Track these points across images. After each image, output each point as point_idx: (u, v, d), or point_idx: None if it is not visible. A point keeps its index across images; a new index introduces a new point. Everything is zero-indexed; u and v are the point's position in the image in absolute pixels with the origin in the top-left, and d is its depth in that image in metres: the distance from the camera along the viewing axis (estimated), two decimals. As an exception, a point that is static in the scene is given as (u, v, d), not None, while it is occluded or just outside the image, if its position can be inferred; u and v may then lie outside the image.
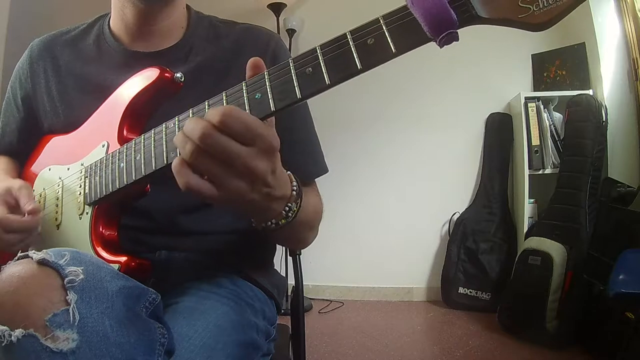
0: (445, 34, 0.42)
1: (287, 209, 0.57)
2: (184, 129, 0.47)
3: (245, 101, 0.50)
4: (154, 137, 0.60)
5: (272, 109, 0.49)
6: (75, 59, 0.85)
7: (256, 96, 0.49)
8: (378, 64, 0.45)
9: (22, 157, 0.89)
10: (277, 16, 2.66)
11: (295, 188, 0.57)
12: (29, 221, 0.68)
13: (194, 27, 0.85)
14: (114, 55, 0.83)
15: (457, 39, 0.42)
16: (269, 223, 0.57)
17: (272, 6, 2.62)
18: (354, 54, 0.44)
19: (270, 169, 0.49)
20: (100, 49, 0.85)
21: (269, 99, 0.49)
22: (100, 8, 0.90)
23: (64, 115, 0.82)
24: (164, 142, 0.58)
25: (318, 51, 0.46)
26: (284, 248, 1.09)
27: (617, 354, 1.65)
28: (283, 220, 0.57)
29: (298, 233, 0.71)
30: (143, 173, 0.60)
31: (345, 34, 0.45)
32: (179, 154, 0.49)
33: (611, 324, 1.73)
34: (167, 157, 0.57)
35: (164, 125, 0.59)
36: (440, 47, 0.43)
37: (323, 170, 0.86)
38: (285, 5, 2.63)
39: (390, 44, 0.43)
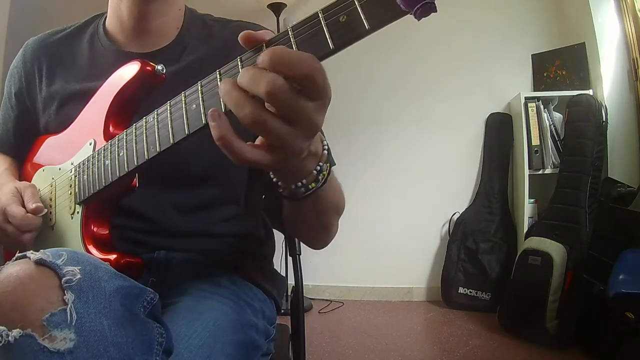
0: (420, 4, 0.38)
1: (318, 168, 0.54)
2: (242, 82, 0.42)
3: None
4: (135, 132, 0.59)
5: None
6: (68, 59, 0.85)
7: None
8: (351, 43, 0.42)
9: (21, 155, 0.89)
10: (277, 16, 2.66)
11: (326, 147, 0.54)
12: (33, 218, 0.69)
13: (188, 27, 0.85)
14: (107, 56, 0.83)
15: (434, 10, 0.39)
16: (299, 185, 0.54)
17: (272, 6, 2.62)
18: (326, 34, 0.42)
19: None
20: (93, 49, 0.85)
21: None
22: (99, 7, 0.90)
23: (55, 115, 0.82)
24: (144, 137, 0.57)
25: (290, 33, 0.44)
26: (283, 247, 1.09)
27: (617, 354, 1.65)
28: (313, 184, 0.54)
29: (324, 210, 0.67)
30: (126, 169, 0.60)
31: (317, 12, 0.42)
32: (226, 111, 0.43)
33: (611, 324, 1.72)
34: (147, 152, 0.57)
35: (144, 120, 0.58)
36: (418, 20, 0.40)
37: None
38: (285, 5, 2.63)
39: (363, 19, 0.40)
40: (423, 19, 0.39)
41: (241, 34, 0.45)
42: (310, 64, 0.40)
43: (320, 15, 0.42)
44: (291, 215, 0.70)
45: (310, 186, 0.54)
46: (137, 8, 0.78)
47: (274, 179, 0.56)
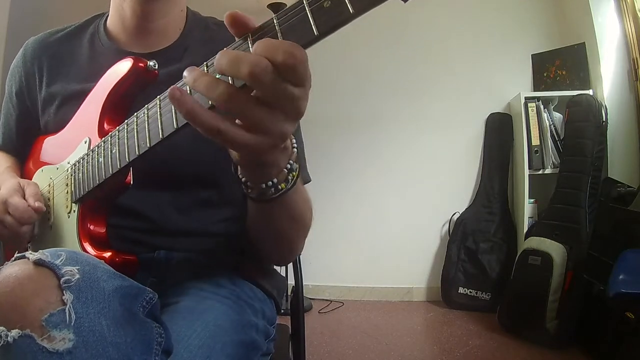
0: None
1: (288, 166, 0.52)
2: (219, 65, 0.41)
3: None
4: (127, 128, 0.59)
5: None
6: (68, 59, 0.85)
7: (217, 76, 0.46)
8: (336, 29, 0.41)
9: (24, 154, 0.90)
10: (277, 16, 2.66)
11: (295, 145, 0.53)
12: (33, 212, 0.69)
13: (190, 30, 0.85)
14: (108, 56, 0.82)
15: None
16: (269, 184, 0.52)
17: (272, 6, 2.62)
18: (310, 20, 0.41)
19: None
20: (94, 49, 0.85)
21: (228, 78, 0.45)
22: (100, 7, 0.90)
23: (55, 114, 0.82)
24: (135, 133, 0.57)
25: (275, 21, 0.44)
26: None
27: (617, 354, 1.65)
28: (283, 185, 0.53)
29: (291, 219, 0.65)
30: (119, 166, 0.60)
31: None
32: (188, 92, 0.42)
33: (611, 324, 1.72)
34: (138, 148, 0.57)
35: (135, 116, 0.58)
36: (405, 2, 0.40)
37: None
38: (285, 5, 2.62)
39: (347, 4, 0.39)
40: (410, 1, 0.39)
41: (227, 13, 0.44)
42: (292, 52, 0.39)
43: (304, 1, 0.41)
44: (256, 222, 0.68)
45: (280, 186, 0.53)
46: (141, 7, 0.78)
47: (243, 178, 0.54)
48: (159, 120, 0.53)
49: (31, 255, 0.46)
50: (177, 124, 0.51)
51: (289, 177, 0.53)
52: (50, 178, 0.77)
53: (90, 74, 0.81)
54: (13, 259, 0.47)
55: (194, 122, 0.42)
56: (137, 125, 0.57)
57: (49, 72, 0.85)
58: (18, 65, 0.89)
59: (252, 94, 0.42)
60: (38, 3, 2.82)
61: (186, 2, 0.87)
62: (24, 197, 0.71)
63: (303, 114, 0.44)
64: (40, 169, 0.81)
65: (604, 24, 2.38)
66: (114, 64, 0.72)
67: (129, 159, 0.58)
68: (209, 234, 0.80)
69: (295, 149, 0.53)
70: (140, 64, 0.65)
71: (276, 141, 0.45)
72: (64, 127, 0.78)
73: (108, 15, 0.86)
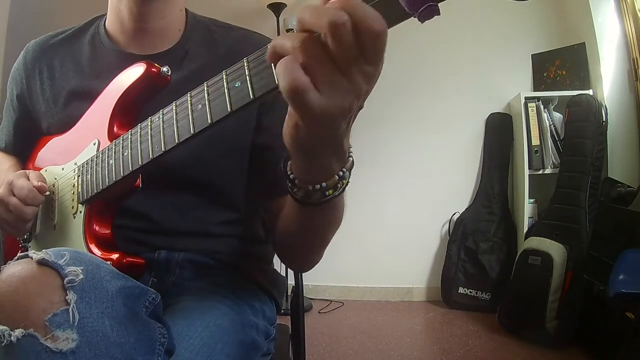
0: (424, 7, 0.38)
1: (340, 174, 0.50)
2: (303, 16, 0.38)
3: (225, 90, 0.48)
4: (140, 132, 0.60)
5: (251, 96, 0.46)
6: (69, 60, 0.85)
7: (236, 84, 0.48)
8: None
9: (23, 156, 0.90)
10: (277, 16, 2.66)
11: (351, 155, 0.51)
12: (38, 193, 0.70)
13: (190, 32, 0.84)
14: (108, 57, 0.82)
15: (437, 13, 0.38)
16: (317, 187, 0.50)
17: (272, 6, 2.62)
18: None
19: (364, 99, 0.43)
20: (94, 50, 0.85)
21: (248, 87, 0.46)
22: (101, 8, 0.90)
23: (58, 116, 0.82)
24: (149, 137, 0.58)
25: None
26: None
27: (617, 354, 1.65)
28: (330, 191, 0.50)
29: (330, 223, 0.64)
30: (130, 169, 0.61)
31: None
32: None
33: (611, 324, 1.73)
34: (152, 152, 0.57)
35: (149, 120, 0.59)
36: (422, 23, 0.39)
37: None
38: (285, 5, 2.63)
39: None
40: (426, 21, 0.39)
41: None
42: (382, 21, 0.37)
43: None
44: (292, 224, 0.66)
45: (327, 192, 0.51)
46: (138, 8, 0.78)
47: (291, 175, 0.52)
48: (175, 125, 0.54)
49: (34, 254, 0.46)
50: (194, 129, 0.51)
51: (339, 185, 0.51)
52: (55, 179, 0.77)
53: (92, 74, 0.81)
54: (16, 258, 0.47)
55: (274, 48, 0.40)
56: (151, 129, 0.58)
57: (50, 73, 0.85)
58: (19, 68, 0.89)
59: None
60: (38, 3, 2.82)
61: (186, 3, 0.87)
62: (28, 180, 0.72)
63: (362, 95, 0.42)
64: (44, 169, 0.81)
65: (604, 24, 2.38)
66: (115, 64, 0.72)
67: (141, 162, 0.59)
68: (209, 235, 0.80)
69: (350, 159, 0.51)
70: (153, 69, 0.66)
71: (337, 111, 0.41)
72: (69, 128, 0.78)
73: (107, 17, 0.86)
